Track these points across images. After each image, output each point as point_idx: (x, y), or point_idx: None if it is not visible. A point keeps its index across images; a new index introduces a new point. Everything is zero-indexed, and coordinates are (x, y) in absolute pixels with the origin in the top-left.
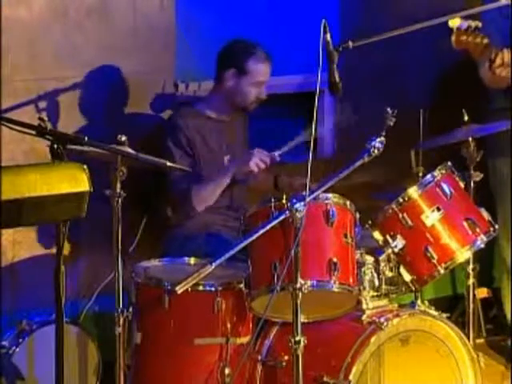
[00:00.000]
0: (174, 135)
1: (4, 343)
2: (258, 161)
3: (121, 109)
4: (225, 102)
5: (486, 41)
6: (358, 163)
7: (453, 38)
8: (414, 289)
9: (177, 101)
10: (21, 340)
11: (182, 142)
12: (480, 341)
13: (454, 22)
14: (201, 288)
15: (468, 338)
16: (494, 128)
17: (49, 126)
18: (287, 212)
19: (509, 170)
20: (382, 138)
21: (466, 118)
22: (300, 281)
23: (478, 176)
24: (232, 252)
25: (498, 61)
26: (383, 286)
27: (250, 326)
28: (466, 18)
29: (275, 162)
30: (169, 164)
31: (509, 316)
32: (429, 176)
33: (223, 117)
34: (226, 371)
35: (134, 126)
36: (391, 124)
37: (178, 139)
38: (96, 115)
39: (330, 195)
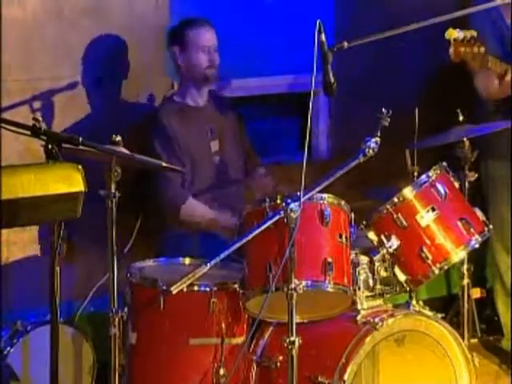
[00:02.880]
0: (160, 136)
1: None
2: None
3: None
4: (189, 82)
5: (482, 49)
6: (353, 163)
7: (451, 50)
8: (408, 289)
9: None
10: (15, 341)
11: (168, 141)
12: (474, 341)
13: (451, 34)
14: (196, 288)
15: (462, 338)
16: (489, 128)
17: (43, 126)
18: (282, 212)
19: (501, 173)
20: (377, 139)
21: (460, 117)
22: (295, 281)
23: (472, 176)
24: (227, 252)
25: (509, 76)
26: (378, 286)
27: (245, 326)
28: (460, 27)
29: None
30: (164, 164)
31: (504, 319)
32: (424, 176)
33: (199, 100)
34: (221, 371)
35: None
36: (386, 124)
37: (164, 139)
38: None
39: (324, 195)
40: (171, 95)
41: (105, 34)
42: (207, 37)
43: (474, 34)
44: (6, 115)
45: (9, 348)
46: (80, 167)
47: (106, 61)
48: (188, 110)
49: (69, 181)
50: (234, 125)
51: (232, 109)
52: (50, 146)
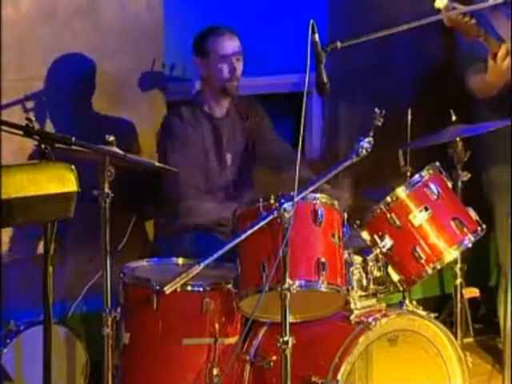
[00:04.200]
0: (169, 137)
1: None
2: None
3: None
4: (209, 91)
5: (473, 21)
6: (347, 163)
7: (443, 15)
8: (402, 289)
9: (176, 101)
10: (8, 341)
11: (178, 143)
12: (468, 340)
13: (440, 3)
14: (189, 288)
15: (456, 338)
16: (482, 129)
17: (36, 126)
18: (275, 212)
19: (502, 178)
20: (370, 138)
21: (453, 117)
22: (288, 281)
23: (465, 176)
24: (220, 252)
25: (503, 51)
26: (371, 286)
27: (239, 326)
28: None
29: None
30: (156, 164)
31: (507, 323)
32: (417, 176)
33: (217, 111)
34: (215, 371)
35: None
36: (379, 124)
37: (175, 141)
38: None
39: (318, 195)
40: (193, 96)
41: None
42: (228, 45)
43: (465, 7)
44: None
45: (2, 348)
46: (73, 167)
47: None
48: (205, 118)
49: (62, 181)
50: (253, 132)
51: (258, 111)
52: (43, 146)
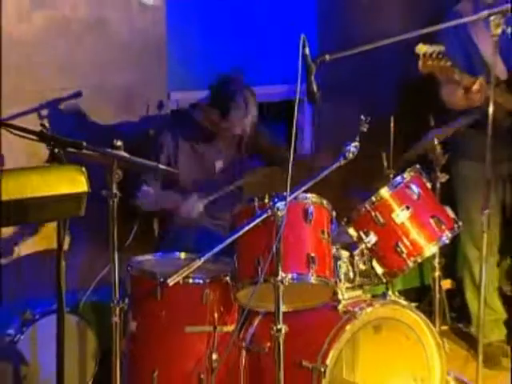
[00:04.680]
0: (163, 148)
1: (10, 331)
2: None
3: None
4: (210, 120)
5: (449, 63)
6: (335, 166)
7: (419, 63)
8: (385, 281)
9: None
10: (25, 328)
11: (169, 151)
12: (445, 328)
13: (421, 49)
14: (190, 281)
15: (434, 326)
16: (453, 125)
17: (50, 131)
18: (269, 211)
19: (470, 173)
20: (357, 143)
21: (432, 123)
22: (281, 274)
23: (443, 177)
24: (219, 247)
25: (476, 87)
26: (357, 278)
27: (236, 315)
28: (430, 43)
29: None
30: (160, 166)
31: (472, 307)
32: (399, 177)
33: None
34: (214, 357)
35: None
36: (365, 130)
37: (162, 150)
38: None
39: (308, 195)
40: (191, 110)
41: None
42: (243, 124)
43: (442, 48)
44: (17, 122)
45: (19, 335)
46: (83, 169)
47: None
48: (199, 128)
49: (73, 182)
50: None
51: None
52: (55, 150)
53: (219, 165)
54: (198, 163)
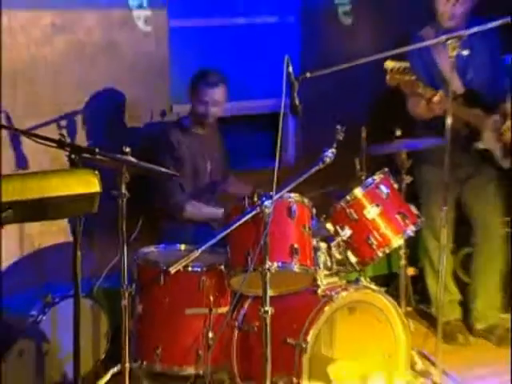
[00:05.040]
0: (167, 151)
1: (33, 313)
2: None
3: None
4: (193, 117)
5: (413, 77)
6: (315, 169)
7: (387, 77)
8: (358, 268)
9: (169, 121)
10: (46, 310)
11: (173, 155)
12: (409, 309)
13: (389, 65)
14: (189, 269)
15: (400, 307)
16: (421, 144)
17: (68, 140)
18: (258, 208)
19: (431, 177)
20: (333, 149)
21: (398, 133)
22: (268, 263)
23: (408, 179)
24: (214, 240)
25: (437, 98)
26: (334, 267)
27: (229, 298)
28: (397, 59)
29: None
30: (163, 170)
31: (432, 291)
32: (370, 179)
33: (199, 130)
34: (210, 335)
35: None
36: (340, 138)
37: (170, 154)
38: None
39: (292, 194)
40: (181, 119)
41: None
42: (209, 93)
43: (407, 64)
44: (39, 131)
45: (41, 316)
46: (96, 172)
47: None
48: (191, 135)
49: (87, 183)
50: (220, 145)
51: (218, 131)
52: (72, 156)
53: (209, 166)
54: (195, 166)
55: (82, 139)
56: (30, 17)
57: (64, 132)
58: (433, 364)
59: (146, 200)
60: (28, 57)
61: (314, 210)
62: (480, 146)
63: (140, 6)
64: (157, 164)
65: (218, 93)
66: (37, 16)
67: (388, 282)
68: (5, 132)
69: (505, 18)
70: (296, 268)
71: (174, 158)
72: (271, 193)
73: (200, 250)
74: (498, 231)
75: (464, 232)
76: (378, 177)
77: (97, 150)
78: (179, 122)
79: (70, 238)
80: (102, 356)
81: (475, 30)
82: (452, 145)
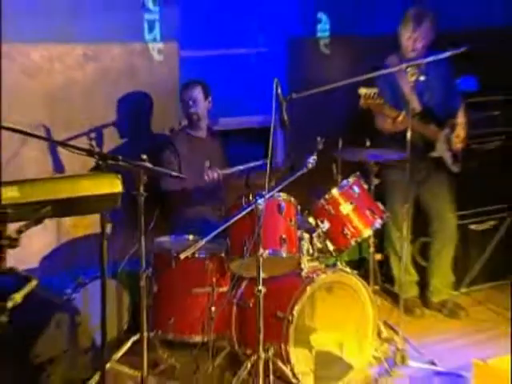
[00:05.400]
0: (170, 149)
1: (68, 291)
2: (209, 174)
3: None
4: (187, 121)
5: (381, 101)
6: (299, 173)
7: (360, 101)
8: (335, 255)
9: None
10: (78, 289)
11: (175, 154)
12: (376, 288)
13: (362, 91)
14: (196, 255)
15: (369, 286)
16: (385, 157)
17: (96, 149)
18: (253, 205)
19: (394, 179)
20: (315, 157)
21: (368, 144)
22: (261, 250)
23: (376, 181)
24: (216, 232)
25: (400, 118)
26: (315, 253)
27: (228, 280)
28: (368, 86)
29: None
30: (173, 173)
31: (395, 273)
32: (345, 181)
33: (199, 133)
34: (213, 309)
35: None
36: (320, 148)
37: (172, 152)
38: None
39: (281, 194)
40: (183, 127)
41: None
42: (187, 93)
43: (376, 90)
44: (72, 142)
45: (74, 294)
46: (119, 176)
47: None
48: (194, 140)
49: (111, 184)
50: (219, 149)
51: (218, 138)
52: (100, 162)
53: (207, 164)
54: (192, 162)
55: (107, 148)
56: (66, 48)
57: (93, 142)
58: (396, 332)
59: (159, 198)
60: (64, 80)
61: (299, 207)
62: (434, 154)
63: (154, 40)
64: (162, 160)
65: (193, 91)
66: (71, 48)
67: (359, 265)
68: (45, 143)
69: (454, 50)
70: (284, 254)
71: (174, 155)
72: (263, 192)
73: (205, 240)
74: (450, 223)
75: (421, 224)
76: (351, 179)
77: (120, 157)
78: (182, 129)
79: (98, 230)
80: (125, 327)
81: (430, 59)
82: (411, 153)
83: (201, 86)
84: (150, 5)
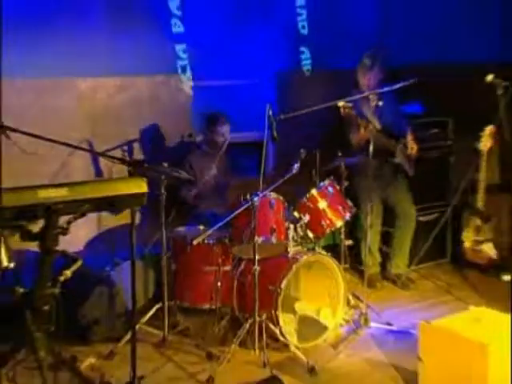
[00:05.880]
0: (187, 159)
1: (107, 269)
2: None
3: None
4: (206, 141)
5: (354, 113)
6: (286, 177)
7: (341, 111)
8: (314, 241)
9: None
10: (114, 268)
11: (189, 163)
12: (346, 266)
13: (340, 103)
14: (206, 241)
15: (340, 265)
16: (351, 161)
17: (127, 158)
18: (250, 202)
19: (361, 182)
20: (298, 164)
21: (339, 154)
22: (256, 238)
23: (346, 183)
24: (221, 223)
25: (370, 127)
26: (299, 240)
27: (231, 260)
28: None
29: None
30: (187, 176)
31: (362, 254)
32: (321, 183)
33: (210, 151)
34: (219, 284)
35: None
36: (303, 157)
37: (188, 161)
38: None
39: (272, 193)
40: (200, 143)
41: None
42: (222, 128)
43: (350, 105)
44: (109, 153)
45: (111, 271)
46: (145, 179)
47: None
48: (206, 155)
49: (139, 186)
50: (223, 160)
51: (225, 151)
52: (130, 169)
53: (214, 171)
54: (204, 171)
55: (136, 157)
56: (103, 80)
57: (125, 153)
58: (360, 301)
59: (176, 195)
60: (102, 105)
61: (286, 204)
62: (395, 160)
63: (174, 72)
64: (183, 166)
65: (225, 127)
66: (107, 80)
67: (333, 249)
68: (88, 153)
69: (405, 82)
70: (274, 241)
71: (190, 169)
72: (258, 192)
73: (212, 230)
74: (413, 217)
75: (386, 218)
76: (326, 182)
77: (146, 165)
78: (198, 146)
79: (129, 221)
80: (150, 297)
81: (384, 90)
82: (377, 161)
83: (229, 123)
84: (181, 53)
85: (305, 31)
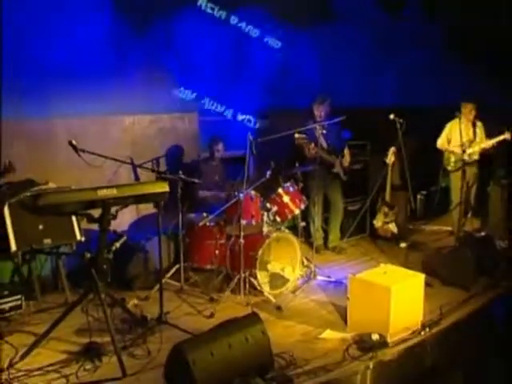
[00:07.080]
0: (199, 168)
1: (142, 242)
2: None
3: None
4: (210, 156)
5: (304, 140)
6: (262, 180)
7: (296, 141)
8: (280, 224)
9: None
10: (148, 241)
11: (198, 171)
12: (302, 239)
13: (296, 135)
14: (207, 224)
15: (298, 239)
16: (304, 169)
17: (156, 169)
18: (237, 197)
19: (311, 183)
20: (270, 172)
21: (297, 164)
22: (242, 221)
23: (301, 185)
24: (218, 212)
25: (312, 146)
26: (270, 223)
27: (225, 235)
28: (300, 133)
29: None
30: (197, 181)
31: (312, 231)
32: (285, 184)
33: (213, 163)
34: (216, 252)
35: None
36: (273, 167)
37: (199, 170)
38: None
39: (252, 191)
40: (205, 158)
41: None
42: (217, 145)
43: (304, 136)
44: (143, 165)
45: (146, 244)
46: (167, 182)
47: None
48: (210, 166)
49: (162, 187)
50: (222, 169)
51: (221, 163)
52: (157, 175)
53: (217, 178)
54: (210, 178)
55: (162, 168)
56: (140, 117)
57: (154, 166)
58: (311, 262)
59: (188, 194)
60: (139, 134)
61: (262, 198)
62: (334, 170)
63: (188, 111)
64: (195, 173)
65: (219, 145)
66: (142, 117)
67: (291, 229)
68: (129, 166)
69: (339, 118)
70: (254, 223)
71: (199, 173)
72: (243, 190)
73: (211, 216)
74: (340, 207)
75: (326, 207)
76: (288, 183)
77: (167, 173)
78: (204, 160)
79: (157, 210)
80: (171, 260)
81: (330, 122)
82: (321, 170)
83: (222, 142)
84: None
85: (274, 84)
